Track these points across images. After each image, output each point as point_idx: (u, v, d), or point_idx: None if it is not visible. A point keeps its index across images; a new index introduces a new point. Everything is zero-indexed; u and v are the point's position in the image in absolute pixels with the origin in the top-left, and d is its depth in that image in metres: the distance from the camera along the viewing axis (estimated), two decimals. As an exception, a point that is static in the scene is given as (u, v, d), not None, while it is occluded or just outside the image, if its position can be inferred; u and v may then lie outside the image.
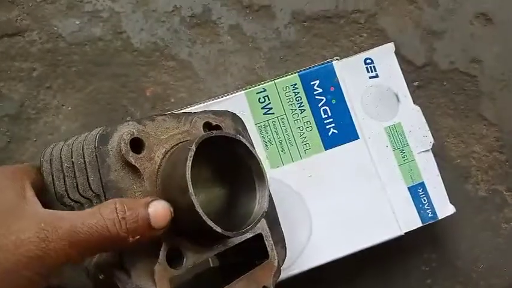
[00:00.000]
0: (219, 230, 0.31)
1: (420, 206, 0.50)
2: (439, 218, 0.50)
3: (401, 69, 0.53)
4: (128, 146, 0.31)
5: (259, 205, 0.35)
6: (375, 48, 0.52)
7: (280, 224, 0.41)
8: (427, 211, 0.50)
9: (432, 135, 0.52)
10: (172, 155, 0.34)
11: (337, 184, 0.49)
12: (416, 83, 0.60)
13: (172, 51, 0.57)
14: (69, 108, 0.55)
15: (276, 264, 0.38)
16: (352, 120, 0.50)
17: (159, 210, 0.29)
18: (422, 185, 0.51)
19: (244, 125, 0.42)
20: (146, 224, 0.29)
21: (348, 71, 0.51)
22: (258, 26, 0.59)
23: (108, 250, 0.30)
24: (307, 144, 0.50)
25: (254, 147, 0.37)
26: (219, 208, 0.37)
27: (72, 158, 0.33)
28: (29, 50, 0.56)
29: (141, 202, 0.29)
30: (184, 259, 0.32)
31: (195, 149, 0.31)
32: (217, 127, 0.39)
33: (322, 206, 0.49)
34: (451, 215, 0.51)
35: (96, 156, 0.31)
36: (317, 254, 0.48)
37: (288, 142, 0.49)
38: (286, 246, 0.41)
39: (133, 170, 0.32)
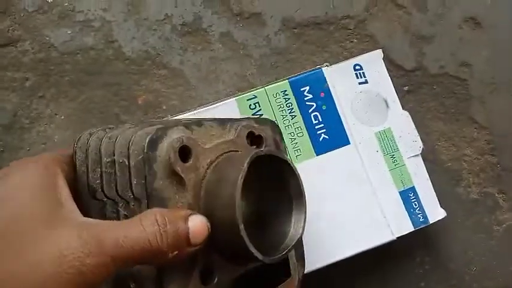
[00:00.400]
0: (259, 256, 0.30)
1: (411, 210, 0.51)
2: (430, 222, 0.51)
3: (391, 74, 0.54)
4: (177, 155, 0.30)
5: (295, 229, 0.34)
6: (364, 55, 0.53)
7: (302, 241, 0.40)
8: (419, 215, 0.51)
9: (422, 139, 0.52)
10: (217, 167, 0.32)
11: (328, 189, 0.50)
12: (406, 88, 0.60)
13: (164, 59, 0.58)
14: (62, 117, 0.56)
15: (296, 281, 0.37)
16: (342, 125, 0.51)
17: (197, 225, 0.28)
18: (413, 189, 0.51)
19: (282, 134, 0.41)
20: (185, 239, 0.27)
21: (338, 77, 0.52)
22: (249, 33, 0.59)
23: (146, 263, 0.28)
24: (298, 150, 0.50)
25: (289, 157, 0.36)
26: (255, 227, 0.34)
27: (114, 155, 0.31)
28: (21, 60, 0.56)
29: (180, 215, 0.28)
30: (216, 277, 0.32)
31: (246, 169, 0.30)
32: (259, 137, 0.37)
33: (314, 212, 0.48)
34: (444, 218, 0.51)
35: (144, 161, 0.30)
36: (308, 260, 0.48)
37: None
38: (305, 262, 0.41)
39: (179, 179, 0.30)
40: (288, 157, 0.36)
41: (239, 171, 0.30)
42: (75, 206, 0.28)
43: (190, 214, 0.28)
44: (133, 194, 0.30)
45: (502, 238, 0.58)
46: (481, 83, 0.61)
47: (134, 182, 0.30)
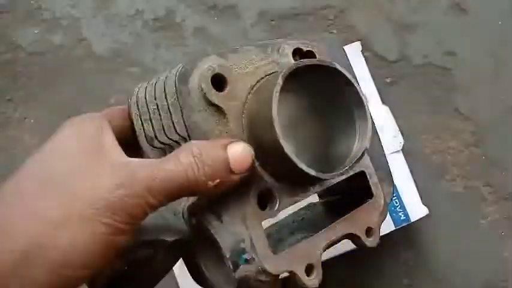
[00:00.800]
0: (312, 172, 0.28)
1: (392, 208, 0.49)
2: (412, 221, 0.49)
3: (373, 66, 0.52)
4: (210, 84, 0.29)
5: (360, 142, 0.31)
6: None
7: (385, 158, 0.38)
8: (399, 214, 0.50)
9: (405, 132, 0.51)
10: (258, 91, 0.31)
11: (306, 190, 0.48)
12: (388, 79, 0.58)
13: (136, 56, 0.56)
14: (32, 121, 0.54)
15: (382, 203, 0.35)
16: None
17: (238, 153, 0.27)
18: (393, 187, 0.50)
19: (344, 51, 0.38)
20: (225, 167, 0.27)
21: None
22: (224, 26, 0.57)
23: (189, 195, 0.28)
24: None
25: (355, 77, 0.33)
26: (315, 147, 0.32)
27: (155, 99, 0.31)
28: (-13, 62, 0.54)
29: (219, 144, 0.27)
30: (277, 202, 0.30)
31: (281, 83, 0.28)
32: (310, 53, 0.34)
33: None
34: (428, 212, 0.50)
35: (177, 97, 0.29)
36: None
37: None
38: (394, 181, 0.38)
39: (217, 109, 0.29)
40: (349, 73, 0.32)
41: (274, 86, 0.28)
42: (120, 151, 0.28)
43: (231, 142, 0.28)
44: (178, 134, 0.30)
45: (487, 232, 0.57)
46: (466, 72, 0.59)
47: (176, 120, 0.29)
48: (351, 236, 0.33)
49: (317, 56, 0.34)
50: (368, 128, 0.31)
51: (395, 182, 0.49)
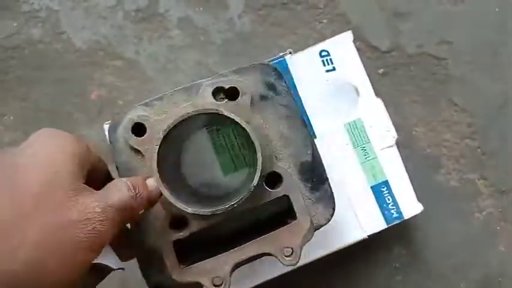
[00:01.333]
0: (188, 210, 0.34)
1: (384, 206, 0.48)
2: (405, 218, 0.48)
3: (365, 56, 0.50)
4: (130, 132, 0.36)
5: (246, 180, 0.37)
6: (330, 39, 0.48)
7: (327, 182, 0.39)
8: (392, 211, 0.48)
9: (399, 125, 0.50)
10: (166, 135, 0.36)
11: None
12: (381, 70, 0.56)
13: (117, 49, 0.54)
14: (11, 118, 0.52)
15: (306, 226, 0.37)
16: (308, 118, 0.47)
17: (153, 187, 0.33)
18: (386, 183, 0.48)
19: (279, 73, 0.40)
20: (147, 198, 0.32)
21: (302, 66, 0.48)
22: (210, 17, 0.55)
23: (128, 220, 0.32)
24: (261, 147, 0.46)
25: (291, 95, 0.39)
26: (218, 180, 0.40)
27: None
28: (-38, 57, 0.52)
29: (141, 180, 0.32)
30: (188, 224, 0.36)
31: (161, 137, 0.34)
32: (232, 90, 0.37)
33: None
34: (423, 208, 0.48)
35: (111, 143, 0.37)
36: (270, 265, 0.46)
37: (240, 146, 0.46)
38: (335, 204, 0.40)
39: (137, 151, 0.36)
40: (286, 95, 0.39)
41: (158, 141, 0.34)
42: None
43: (147, 178, 0.34)
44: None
45: (482, 226, 0.56)
46: (461, 61, 0.57)
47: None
48: (268, 255, 0.37)
49: (240, 91, 0.37)
50: (257, 166, 0.35)
51: (388, 178, 0.48)
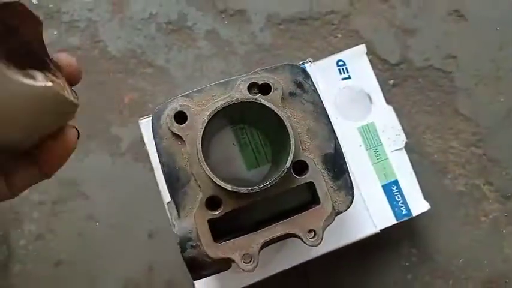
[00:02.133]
0: (228, 187, 0.37)
1: (394, 203, 0.51)
2: (414, 215, 0.51)
3: (377, 68, 0.54)
4: (172, 119, 0.39)
5: (285, 161, 0.39)
6: (346, 50, 0.53)
7: (347, 173, 0.43)
8: (401, 208, 0.51)
9: (409, 132, 0.53)
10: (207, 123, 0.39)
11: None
12: (391, 81, 0.60)
13: (149, 57, 0.58)
14: (50, 118, 0.56)
15: (328, 210, 0.40)
16: (325, 121, 0.51)
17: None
18: (396, 182, 0.52)
19: (307, 73, 0.44)
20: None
21: (321, 73, 0.52)
22: (234, 30, 0.60)
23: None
24: (282, 146, 0.50)
25: (317, 93, 0.43)
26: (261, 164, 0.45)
27: None
28: (8, 61, 0.57)
29: None
30: (222, 205, 0.39)
31: (207, 120, 0.38)
32: (265, 85, 0.41)
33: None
34: (431, 210, 0.52)
35: (154, 130, 0.41)
36: (294, 253, 0.49)
37: (263, 144, 0.50)
38: (355, 191, 0.43)
39: (178, 137, 0.40)
40: (312, 93, 0.43)
41: (203, 124, 0.38)
42: None
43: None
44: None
45: (489, 229, 0.59)
46: (466, 74, 0.61)
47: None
48: (293, 235, 0.40)
49: (272, 86, 0.41)
50: (290, 150, 0.38)
51: (398, 178, 0.52)
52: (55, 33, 0.58)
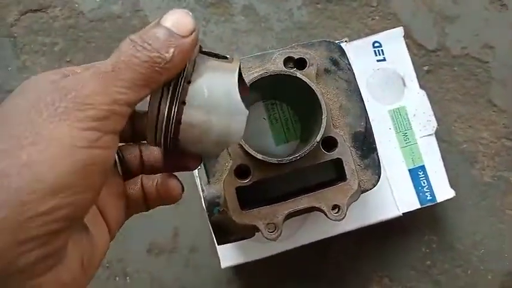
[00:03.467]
0: (259, 156, 0.39)
1: (419, 188, 0.51)
2: (438, 201, 0.51)
3: (412, 53, 0.54)
4: None
5: (315, 136, 0.39)
6: (383, 32, 0.53)
7: (375, 152, 0.43)
8: (426, 194, 0.51)
9: (440, 120, 0.53)
10: None
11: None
12: (426, 67, 0.60)
13: (187, 29, 0.59)
14: (88, 82, 0.58)
15: (354, 187, 0.41)
16: (357, 101, 0.52)
17: (175, 18, 0.26)
18: (422, 168, 0.52)
19: (343, 51, 0.44)
20: (168, 34, 0.25)
21: (356, 53, 0.52)
22: (271, 6, 0.60)
23: (159, 77, 0.25)
24: (311, 124, 0.51)
25: (352, 71, 0.43)
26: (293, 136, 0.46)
27: None
28: (52, 25, 0.59)
29: (152, 23, 0.27)
30: (251, 175, 0.40)
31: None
32: (300, 60, 0.41)
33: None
34: (456, 198, 0.52)
35: None
36: (316, 229, 0.50)
37: (293, 120, 0.51)
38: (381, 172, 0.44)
39: None
40: (347, 71, 0.43)
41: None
42: None
43: (163, 15, 0.27)
44: None
45: (513, 222, 0.59)
46: (503, 66, 0.60)
47: None
48: (317, 209, 0.41)
49: (307, 62, 0.41)
50: (322, 125, 0.39)
51: (425, 163, 0.52)
52: (97, 0, 0.59)
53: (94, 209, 0.29)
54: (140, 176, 0.32)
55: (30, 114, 0.23)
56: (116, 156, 0.31)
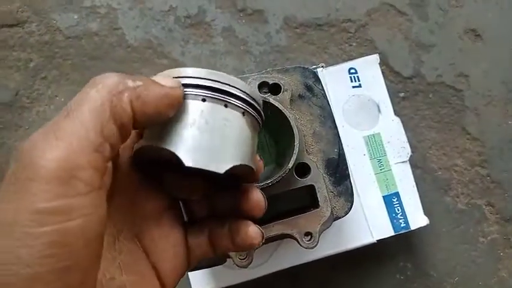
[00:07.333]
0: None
1: (394, 215, 0.51)
2: (412, 229, 0.51)
3: (388, 80, 0.54)
4: None
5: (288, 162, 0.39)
6: (359, 59, 0.53)
7: (348, 179, 0.43)
8: (400, 221, 0.51)
9: (414, 146, 0.53)
10: None
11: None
12: (402, 94, 0.61)
13: (166, 49, 0.59)
14: (62, 100, 0.57)
15: (327, 214, 0.40)
16: (332, 127, 0.52)
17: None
18: (397, 194, 0.52)
19: (317, 77, 0.44)
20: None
21: (332, 79, 0.52)
22: (251, 29, 0.60)
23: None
24: (286, 148, 0.51)
25: (326, 98, 0.43)
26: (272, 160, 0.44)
27: None
28: (28, 41, 0.58)
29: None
30: None
31: None
32: (275, 85, 0.41)
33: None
34: (430, 225, 0.52)
35: None
36: (289, 255, 0.49)
37: (269, 144, 0.51)
38: (356, 198, 0.44)
39: None
40: (322, 96, 0.43)
41: None
42: None
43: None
44: None
45: (486, 250, 0.59)
46: (476, 94, 0.61)
47: None
48: (289, 236, 0.40)
49: (282, 87, 0.41)
50: (294, 151, 0.38)
51: (399, 190, 0.52)
52: (75, 17, 0.59)
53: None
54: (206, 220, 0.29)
55: None
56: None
